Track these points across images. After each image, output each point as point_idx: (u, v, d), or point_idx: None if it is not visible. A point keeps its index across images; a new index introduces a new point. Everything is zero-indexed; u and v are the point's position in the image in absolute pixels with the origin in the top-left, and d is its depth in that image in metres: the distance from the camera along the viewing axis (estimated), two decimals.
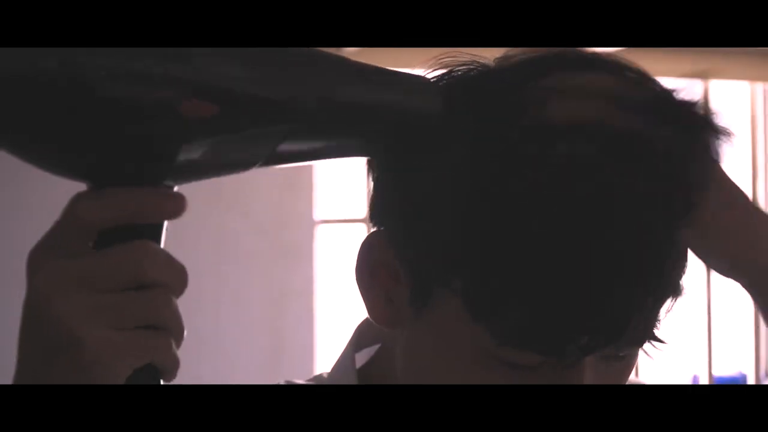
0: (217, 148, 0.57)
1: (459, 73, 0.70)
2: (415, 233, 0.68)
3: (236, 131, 0.57)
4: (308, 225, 3.83)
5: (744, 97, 4.46)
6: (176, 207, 0.58)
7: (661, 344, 0.68)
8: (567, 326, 0.64)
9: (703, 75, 4.12)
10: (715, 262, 0.70)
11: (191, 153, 0.57)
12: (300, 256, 3.80)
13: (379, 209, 0.72)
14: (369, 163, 0.72)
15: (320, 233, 3.89)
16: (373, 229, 0.73)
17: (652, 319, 0.67)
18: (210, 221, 3.62)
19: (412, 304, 0.69)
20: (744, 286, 0.70)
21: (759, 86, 4.41)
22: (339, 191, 3.97)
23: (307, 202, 3.82)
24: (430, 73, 0.70)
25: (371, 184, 0.73)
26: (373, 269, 0.71)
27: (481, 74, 0.70)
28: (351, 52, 3.57)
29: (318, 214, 3.86)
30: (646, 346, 0.68)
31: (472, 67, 0.70)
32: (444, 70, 0.70)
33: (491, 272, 0.64)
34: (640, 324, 0.66)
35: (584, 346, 0.64)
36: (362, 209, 3.94)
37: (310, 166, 3.73)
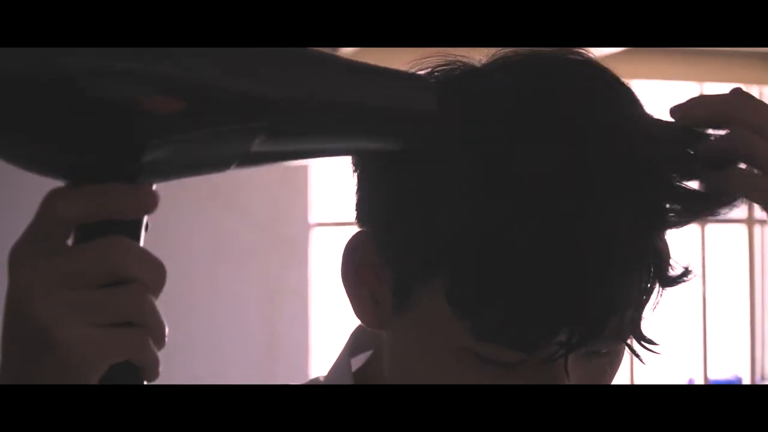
0: (187, 145, 0.57)
1: (441, 72, 0.69)
2: (397, 231, 0.68)
3: (205, 128, 0.56)
4: (304, 225, 3.84)
5: None
6: (148, 203, 0.57)
7: (649, 342, 0.68)
8: (546, 322, 0.64)
9: (698, 78, 4.13)
10: None
11: (161, 150, 0.56)
12: (295, 256, 3.81)
13: (362, 208, 0.72)
14: (353, 162, 0.72)
15: (316, 234, 3.89)
16: (357, 230, 0.73)
17: (635, 314, 0.67)
18: (206, 220, 3.63)
19: (395, 303, 0.69)
20: None
21: (753, 89, 4.42)
22: (334, 194, 3.97)
23: (302, 203, 3.83)
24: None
25: (355, 182, 0.73)
26: (358, 270, 0.71)
27: (468, 74, 0.69)
28: (347, 53, 3.58)
29: (313, 216, 3.86)
30: (637, 347, 0.68)
31: (455, 67, 0.70)
32: (426, 70, 0.70)
33: (474, 269, 0.64)
34: (621, 320, 0.66)
35: (564, 342, 0.64)
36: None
37: (305, 167, 3.74)
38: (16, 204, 3.30)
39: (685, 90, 4.39)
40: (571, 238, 0.63)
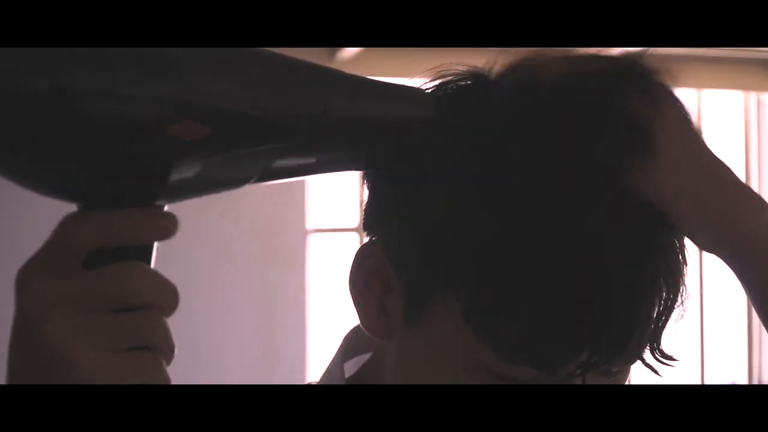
0: (209, 167, 0.57)
1: (455, 85, 0.69)
2: (412, 247, 0.68)
3: (228, 151, 0.57)
4: (301, 233, 3.83)
5: (737, 107, 4.48)
6: (168, 228, 0.58)
7: (669, 359, 0.68)
8: (569, 343, 0.63)
9: (697, 84, 4.14)
10: (699, 235, 0.68)
11: (183, 173, 0.56)
12: (292, 264, 3.80)
13: (374, 219, 0.72)
14: (365, 172, 0.72)
15: (313, 242, 3.88)
16: (367, 238, 0.72)
17: (655, 332, 0.67)
18: (203, 228, 3.62)
19: (407, 316, 0.69)
20: (725, 258, 0.69)
21: (752, 95, 4.43)
22: (332, 200, 3.97)
23: (299, 210, 3.82)
24: (427, 84, 0.69)
25: (366, 192, 0.72)
26: (366, 278, 0.71)
27: (478, 85, 0.69)
28: (350, 53, 3.58)
29: (311, 222, 3.86)
30: (652, 361, 0.68)
31: (468, 79, 0.69)
32: (440, 81, 0.70)
33: (492, 289, 0.64)
34: (641, 339, 0.66)
35: (584, 362, 0.64)
36: (355, 218, 3.95)
37: None
38: (15, 207, 3.30)
39: (683, 97, 4.39)
40: (590, 257, 0.62)
